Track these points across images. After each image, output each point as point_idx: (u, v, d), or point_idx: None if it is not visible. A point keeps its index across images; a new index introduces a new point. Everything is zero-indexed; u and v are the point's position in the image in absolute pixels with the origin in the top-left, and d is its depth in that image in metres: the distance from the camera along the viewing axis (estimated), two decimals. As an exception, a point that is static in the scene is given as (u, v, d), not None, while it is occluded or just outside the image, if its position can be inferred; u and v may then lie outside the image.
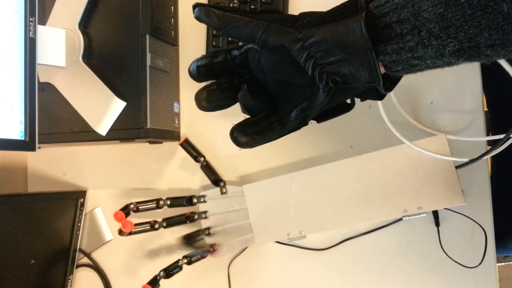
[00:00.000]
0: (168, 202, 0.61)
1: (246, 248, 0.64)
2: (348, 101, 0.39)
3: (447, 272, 0.55)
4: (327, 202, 0.57)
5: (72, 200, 0.71)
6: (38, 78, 0.56)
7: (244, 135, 0.37)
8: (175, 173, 0.69)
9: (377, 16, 0.30)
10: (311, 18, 0.33)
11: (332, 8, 0.33)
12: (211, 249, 0.61)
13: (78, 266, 0.73)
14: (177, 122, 0.67)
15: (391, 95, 0.54)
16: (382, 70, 0.32)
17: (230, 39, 0.65)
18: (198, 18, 0.35)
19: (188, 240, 0.63)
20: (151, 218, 0.60)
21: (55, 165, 0.77)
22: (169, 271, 0.58)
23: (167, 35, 0.65)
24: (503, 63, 0.39)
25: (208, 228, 0.63)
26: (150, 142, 0.67)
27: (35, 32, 0.54)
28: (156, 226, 0.59)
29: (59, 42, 0.62)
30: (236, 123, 0.37)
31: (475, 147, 0.54)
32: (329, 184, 0.57)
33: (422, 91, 0.57)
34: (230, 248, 0.62)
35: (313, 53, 0.32)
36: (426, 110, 0.56)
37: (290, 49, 0.33)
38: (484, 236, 0.53)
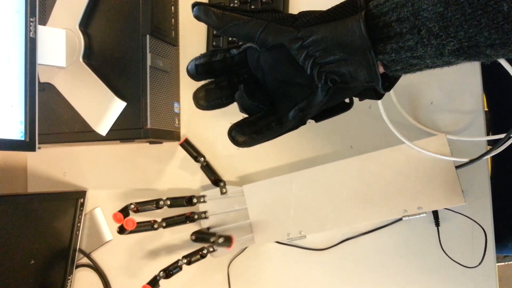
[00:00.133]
0: (168, 202, 0.61)
1: (246, 248, 0.64)
2: (347, 100, 0.39)
3: (447, 272, 0.55)
4: (327, 202, 0.57)
5: (72, 200, 0.71)
6: (38, 78, 0.56)
7: (242, 135, 0.37)
8: (175, 173, 0.69)
9: (376, 15, 0.30)
10: (310, 17, 0.33)
11: (332, 7, 0.33)
12: (210, 249, 0.61)
13: (77, 266, 0.73)
14: (177, 122, 0.67)
15: (391, 95, 0.54)
16: (381, 69, 0.32)
17: (230, 39, 0.65)
18: (197, 17, 0.35)
19: (201, 235, 0.63)
20: (151, 218, 0.60)
21: (55, 165, 0.77)
22: (169, 271, 0.58)
23: (167, 35, 0.65)
24: (503, 62, 0.39)
25: (208, 228, 0.63)
26: (150, 142, 0.67)
27: (35, 32, 0.54)
28: (156, 226, 0.59)
29: (59, 42, 0.62)
30: (234, 122, 0.37)
31: (475, 147, 0.54)
32: (329, 184, 0.57)
33: (422, 91, 0.57)
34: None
35: (312, 52, 0.32)
36: (426, 110, 0.56)
37: (289, 48, 0.33)
38: (484, 236, 0.53)
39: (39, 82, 0.58)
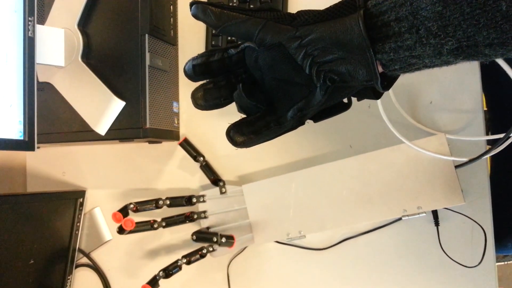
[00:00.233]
0: (168, 202, 0.61)
1: (245, 247, 0.64)
2: (345, 100, 0.39)
3: (446, 272, 0.55)
4: (326, 202, 0.57)
5: (71, 200, 0.71)
6: (37, 77, 0.56)
7: (241, 135, 0.37)
8: (174, 172, 0.69)
9: (375, 15, 0.30)
10: (308, 16, 0.33)
11: (330, 6, 0.33)
12: (209, 249, 0.61)
13: (77, 266, 0.73)
14: (176, 122, 0.67)
15: (391, 94, 0.54)
16: (380, 69, 0.32)
17: (229, 38, 0.65)
18: (195, 15, 0.35)
19: (203, 234, 0.63)
20: (151, 218, 0.59)
21: (54, 165, 0.77)
22: (169, 271, 0.57)
23: (166, 34, 0.64)
24: (501, 63, 0.39)
25: (207, 228, 0.63)
26: (150, 142, 0.67)
27: (34, 31, 0.54)
28: (156, 225, 0.58)
29: (58, 41, 0.61)
30: (232, 122, 0.37)
31: (475, 146, 0.54)
32: (329, 184, 0.57)
33: (422, 90, 0.57)
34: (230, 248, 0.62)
35: (311, 51, 0.32)
36: (426, 109, 0.56)
37: (288, 47, 0.33)
38: (483, 236, 0.53)
39: (38, 81, 0.58)
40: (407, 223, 0.57)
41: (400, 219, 0.56)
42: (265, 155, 0.64)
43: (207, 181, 0.66)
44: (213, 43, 0.65)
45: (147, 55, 0.59)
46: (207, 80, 0.39)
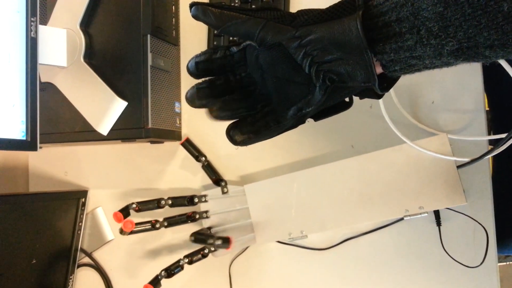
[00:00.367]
0: (170, 202, 0.61)
1: (247, 247, 0.64)
2: (347, 99, 0.39)
3: (448, 272, 0.55)
4: (328, 202, 0.57)
5: (73, 200, 0.71)
6: (39, 78, 0.56)
7: (241, 134, 0.37)
8: (176, 172, 0.69)
9: (376, 15, 0.30)
10: (308, 16, 0.33)
11: (330, 6, 0.33)
12: (211, 249, 0.61)
13: (79, 265, 0.73)
14: (178, 122, 0.67)
15: (392, 95, 0.54)
16: (380, 69, 0.32)
17: (231, 38, 0.65)
18: (195, 16, 0.35)
19: (200, 236, 0.63)
20: (153, 218, 0.60)
21: (56, 165, 0.77)
22: (171, 271, 0.58)
23: (168, 35, 0.65)
24: (503, 63, 0.39)
25: (209, 228, 0.63)
26: (151, 142, 0.67)
27: (36, 32, 0.54)
28: (158, 225, 0.59)
29: (60, 42, 0.62)
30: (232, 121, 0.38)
31: (477, 146, 0.54)
32: (331, 184, 0.57)
33: (423, 90, 0.57)
34: (231, 248, 0.62)
35: (310, 51, 0.32)
36: (427, 109, 0.56)
37: (288, 47, 0.33)
38: (485, 236, 0.53)
39: (40, 81, 0.58)
40: (409, 223, 0.57)
41: (401, 219, 0.56)
42: (267, 155, 0.64)
43: (209, 181, 0.66)
44: (215, 43, 0.65)
45: (149, 55, 0.59)
46: (204, 79, 0.40)
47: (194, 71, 0.38)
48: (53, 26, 0.62)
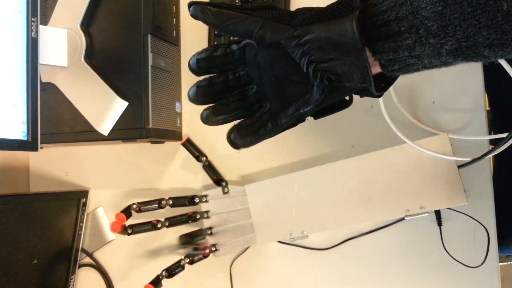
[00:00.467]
0: (170, 202, 0.61)
1: (248, 247, 0.64)
2: (347, 97, 0.39)
3: (449, 272, 0.55)
4: (329, 202, 0.57)
5: (74, 200, 0.71)
6: (40, 78, 0.56)
7: (241, 137, 0.38)
8: (177, 173, 0.69)
9: (374, 14, 0.30)
10: (306, 15, 0.33)
11: (329, 5, 0.33)
12: (212, 249, 0.61)
13: (80, 266, 0.74)
14: (179, 122, 0.67)
15: (393, 94, 0.54)
16: (379, 69, 0.32)
17: (232, 38, 0.65)
18: (194, 15, 0.35)
19: (187, 238, 0.63)
20: (153, 218, 0.60)
21: (57, 165, 0.77)
22: (171, 271, 0.58)
23: (168, 35, 0.65)
24: (503, 63, 0.39)
25: (210, 228, 0.63)
26: (152, 142, 0.67)
27: (37, 32, 0.55)
28: (159, 225, 0.59)
29: (61, 42, 0.62)
30: (232, 126, 0.38)
31: (477, 146, 0.54)
32: (331, 184, 0.57)
33: (424, 90, 0.57)
34: (232, 248, 0.62)
35: (308, 50, 0.33)
36: (428, 109, 0.56)
37: (286, 46, 0.33)
38: (486, 236, 0.53)
39: (41, 82, 0.58)
40: (410, 223, 0.57)
41: (402, 219, 0.56)
42: (268, 155, 0.64)
43: (209, 181, 0.66)
44: (215, 43, 0.65)
45: (150, 55, 0.59)
46: (204, 77, 0.40)
47: (196, 68, 0.39)
48: (53, 26, 0.62)
